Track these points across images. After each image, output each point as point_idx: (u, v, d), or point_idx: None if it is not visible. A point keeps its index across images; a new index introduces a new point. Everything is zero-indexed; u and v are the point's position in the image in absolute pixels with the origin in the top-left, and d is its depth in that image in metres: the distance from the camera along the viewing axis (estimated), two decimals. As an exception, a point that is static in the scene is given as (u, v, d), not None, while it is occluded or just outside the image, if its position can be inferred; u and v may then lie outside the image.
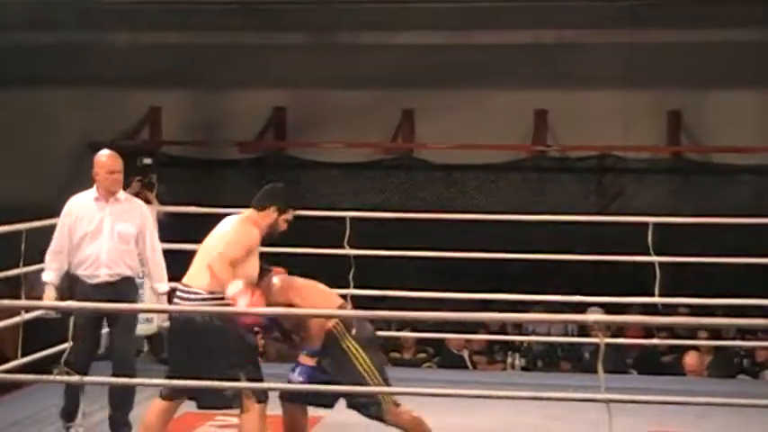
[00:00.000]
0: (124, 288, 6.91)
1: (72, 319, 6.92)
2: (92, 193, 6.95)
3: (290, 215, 6.39)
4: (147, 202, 8.74)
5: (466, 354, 10.33)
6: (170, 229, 8.72)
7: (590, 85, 12.97)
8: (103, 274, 6.85)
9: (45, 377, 7.45)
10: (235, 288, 5.97)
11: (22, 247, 7.61)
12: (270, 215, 6.35)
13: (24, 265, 7.71)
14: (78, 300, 6.79)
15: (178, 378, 6.11)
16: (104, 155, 6.98)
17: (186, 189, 12.17)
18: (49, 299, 6.88)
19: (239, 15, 12.97)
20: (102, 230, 6.86)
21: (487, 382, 7.73)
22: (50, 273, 6.89)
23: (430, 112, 13.45)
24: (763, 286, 8.48)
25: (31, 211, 8.39)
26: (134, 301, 7.14)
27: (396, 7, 12.51)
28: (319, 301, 6.32)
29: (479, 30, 12.88)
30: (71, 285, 6.92)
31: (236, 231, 6.26)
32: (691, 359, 9.56)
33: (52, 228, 7.55)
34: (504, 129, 13.09)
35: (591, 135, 13.04)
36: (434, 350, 10.58)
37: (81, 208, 6.90)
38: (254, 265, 6.27)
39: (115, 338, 6.98)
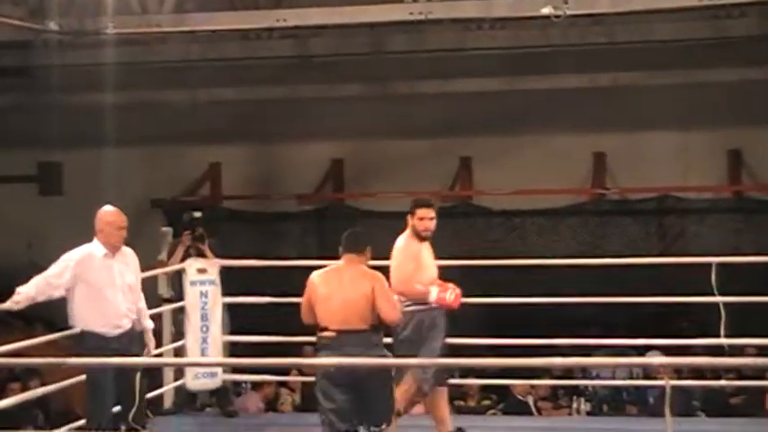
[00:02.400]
0: (136, 334, 7.15)
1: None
2: (97, 247, 7.09)
3: (418, 213, 7.21)
4: (202, 255, 8.84)
5: (531, 399, 10.27)
6: (235, 281, 8.82)
7: (647, 126, 12.96)
8: (125, 324, 7.03)
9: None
10: (434, 292, 7.14)
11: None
12: (410, 224, 7.23)
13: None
14: (95, 353, 6.84)
15: None
16: (110, 212, 7.21)
17: (247, 242, 12.28)
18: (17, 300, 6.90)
19: (295, 69, 13.09)
20: (116, 284, 7.05)
21: (553, 428, 7.70)
22: (31, 288, 6.92)
23: (487, 158, 13.48)
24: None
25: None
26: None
27: (449, 56, 12.56)
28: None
29: (534, 75, 12.90)
30: (82, 342, 7.00)
31: (395, 258, 7.22)
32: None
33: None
34: (562, 173, 13.09)
35: (650, 177, 13.01)
36: (499, 397, 10.53)
37: (92, 264, 7.04)
38: (428, 269, 7.25)
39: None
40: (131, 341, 7.08)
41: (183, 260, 8.77)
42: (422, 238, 7.23)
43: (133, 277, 7.20)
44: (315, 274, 6.70)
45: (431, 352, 7.12)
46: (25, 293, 6.87)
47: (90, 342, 6.97)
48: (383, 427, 6.59)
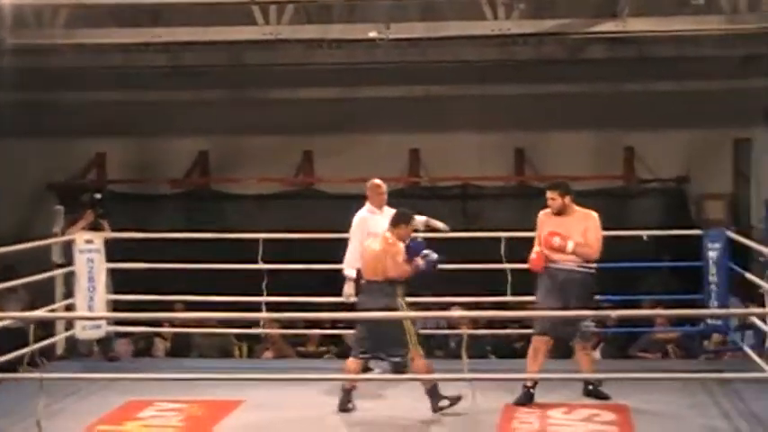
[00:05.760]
0: None
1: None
2: (368, 208, 7.99)
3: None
4: (101, 229, 8.66)
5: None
6: (117, 250, 8.68)
7: (453, 128, 13.12)
8: None
9: (11, 375, 7.34)
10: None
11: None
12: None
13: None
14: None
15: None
16: (378, 183, 8.11)
17: (128, 219, 11.98)
18: (350, 291, 7.81)
19: (170, 77, 12.89)
20: (379, 233, 7.44)
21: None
22: (353, 270, 7.80)
23: (326, 152, 13.50)
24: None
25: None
26: None
27: (295, 69, 12.55)
28: None
29: (364, 86, 12.96)
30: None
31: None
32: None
33: (17, 252, 7.42)
34: (385, 165, 13.11)
35: (455, 168, 13.19)
36: (333, 344, 10.54)
37: (372, 218, 7.88)
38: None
39: None
40: None
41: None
42: (553, 213, 7.32)
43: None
44: (369, 240, 7.32)
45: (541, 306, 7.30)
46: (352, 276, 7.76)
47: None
48: (399, 359, 7.02)
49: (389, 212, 7.74)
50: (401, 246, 7.06)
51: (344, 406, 7.02)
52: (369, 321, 6.98)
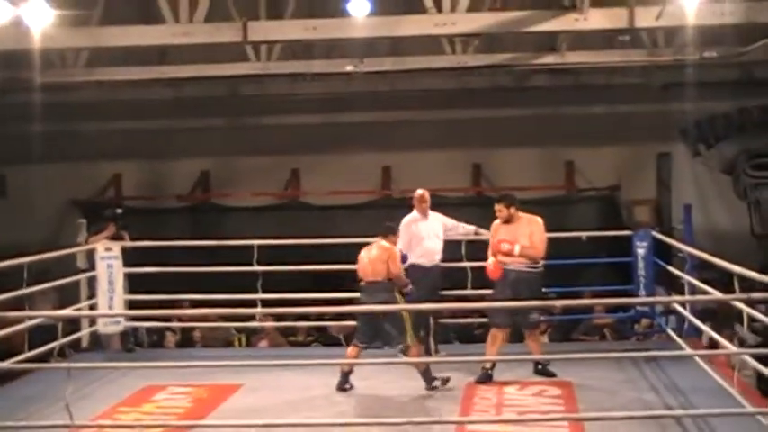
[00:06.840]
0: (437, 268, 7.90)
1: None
2: (414, 214, 7.94)
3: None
4: (122, 239, 8.65)
5: (341, 336, 10.31)
6: (132, 256, 8.67)
7: (419, 147, 13.19)
8: (437, 260, 7.85)
9: (43, 365, 7.32)
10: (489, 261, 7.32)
11: (25, 274, 7.43)
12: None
13: (27, 287, 7.52)
14: (418, 277, 7.53)
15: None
16: (421, 193, 8.08)
17: (141, 229, 11.97)
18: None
19: (175, 107, 12.92)
20: (430, 235, 7.82)
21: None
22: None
23: (310, 170, 13.55)
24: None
25: (30, 250, 8.23)
26: None
27: (283, 99, 12.62)
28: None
29: (341, 112, 13.04)
30: (410, 270, 7.60)
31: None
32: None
33: (47, 261, 7.40)
34: (361, 180, 13.25)
35: (421, 181, 13.15)
36: (319, 334, 10.54)
37: (415, 223, 7.88)
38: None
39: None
40: (438, 270, 7.81)
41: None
42: (502, 222, 7.35)
43: (439, 227, 7.90)
44: (363, 249, 7.17)
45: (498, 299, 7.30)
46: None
47: (416, 269, 7.66)
48: (399, 348, 6.91)
49: (434, 216, 7.95)
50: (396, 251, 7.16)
51: (342, 386, 7.00)
52: (370, 315, 6.89)
